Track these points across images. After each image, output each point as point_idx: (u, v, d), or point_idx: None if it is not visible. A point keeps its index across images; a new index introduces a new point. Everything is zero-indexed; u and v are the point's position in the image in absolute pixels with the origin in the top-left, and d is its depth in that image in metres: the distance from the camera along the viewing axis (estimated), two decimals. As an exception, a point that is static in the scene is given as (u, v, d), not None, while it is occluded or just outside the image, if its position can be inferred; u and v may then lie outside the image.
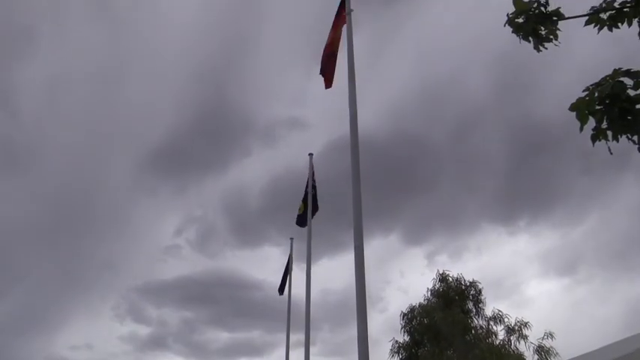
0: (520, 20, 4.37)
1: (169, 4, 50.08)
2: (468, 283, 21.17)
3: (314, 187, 15.51)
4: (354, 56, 9.39)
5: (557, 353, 18.84)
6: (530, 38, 4.39)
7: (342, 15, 10.18)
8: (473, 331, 19.96)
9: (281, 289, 20.16)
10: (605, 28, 4.21)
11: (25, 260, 47.08)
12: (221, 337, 48.55)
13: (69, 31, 48.04)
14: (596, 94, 3.79)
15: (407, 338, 20.78)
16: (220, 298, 46.85)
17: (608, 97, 3.75)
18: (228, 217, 49.66)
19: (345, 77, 9.25)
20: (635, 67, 3.76)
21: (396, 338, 21.01)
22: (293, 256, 19.82)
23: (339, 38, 10.15)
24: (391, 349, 20.84)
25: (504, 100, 45.61)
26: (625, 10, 4.12)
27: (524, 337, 19.72)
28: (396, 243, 46.32)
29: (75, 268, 49.84)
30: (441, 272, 21.61)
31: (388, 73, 47.75)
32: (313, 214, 15.21)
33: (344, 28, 9.95)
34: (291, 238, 19.83)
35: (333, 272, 43.40)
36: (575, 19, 4.28)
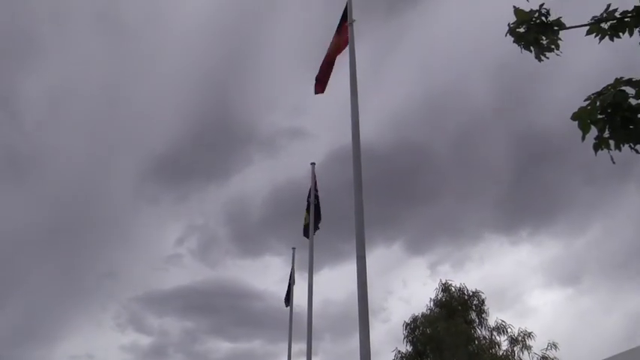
0: (521, 30, 4.39)
1: (173, 15, 50.42)
2: (471, 293, 21.10)
3: (316, 197, 15.50)
4: (357, 66, 9.43)
5: (561, 364, 18.75)
6: (532, 48, 4.41)
7: (344, 25, 10.22)
8: (476, 342, 19.85)
9: (287, 301, 20.00)
10: (607, 37, 4.22)
11: (25, 269, 47.09)
12: (222, 347, 48.32)
13: (73, 41, 48.37)
14: (598, 104, 3.79)
15: (410, 348, 20.69)
16: (221, 308, 46.75)
17: (610, 106, 3.75)
18: (229, 226, 49.68)
19: (347, 87, 9.27)
20: (636, 77, 3.76)
21: (398, 348, 20.94)
22: (295, 265, 19.79)
23: (341, 48, 10.19)
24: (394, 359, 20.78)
25: (506, 110, 45.74)
26: (626, 19, 4.13)
27: (528, 348, 19.64)
28: (398, 253, 46.23)
29: (76, 276, 49.83)
30: (443, 282, 21.57)
31: (390, 83, 47.91)
32: (317, 224, 15.17)
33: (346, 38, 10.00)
34: (293, 248, 19.79)
35: (335, 282, 43.30)
36: (576, 28, 4.30)
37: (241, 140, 51.86)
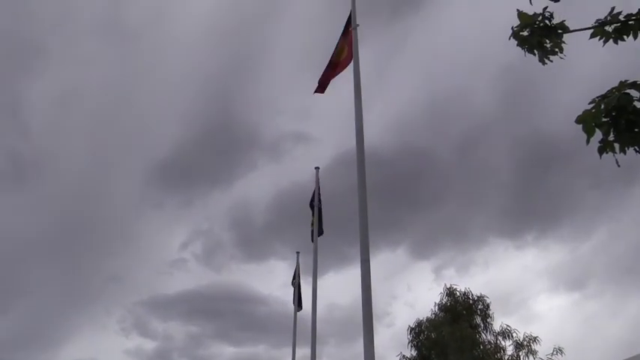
0: (525, 33, 4.38)
1: (176, 19, 50.64)
2: (476, 298, 21.01)
3: (319, 202, 15.51)
4: (360, 70, 9.45)
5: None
6: (535, 51, 4.40)
7: (348, 30, 10.25)
8: (481, 347, 19.76)
9: (299, 305, 19.86)
10: (611, 40, 4.21)
11: (30, 273, 47.20)
12: (226, 351, 48.34)
13: (77, 45, 48.64)
14: (603, 107, 3.78)
15: (414, 353, 20.61)
16: (226, 312, 46.65)
17: (614, 110, 3.74)
18: (234, 230, 49.65)
19: (351, 91, 9.29)
20: (641, 79, 3.75)
21: (403, 353, 20.86)
22: (300, 269, 19.74)
23: (345, 52, 10.21)
24: (399, 364, 20.69)
25: (511, 114, 45.65)
26: (630, 22, 4.12)
27: (534, 353, 19.54)
28: (403, 257, 46.04)
29: (81, 281, 49.91)
30: (448, 286, 21.47)
31: (394, 87, 47.92)
32: (319, 234, 15.20)
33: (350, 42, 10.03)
34: (298, 252, 19.80)
35: (339, 286, 43.22)
36: (580, 31, 4.29)
37: (245, 144, 51.99)
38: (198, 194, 53.26)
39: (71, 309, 49.93)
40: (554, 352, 19.19)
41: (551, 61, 4.41)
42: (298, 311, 19.17)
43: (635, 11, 4.07)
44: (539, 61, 4.40)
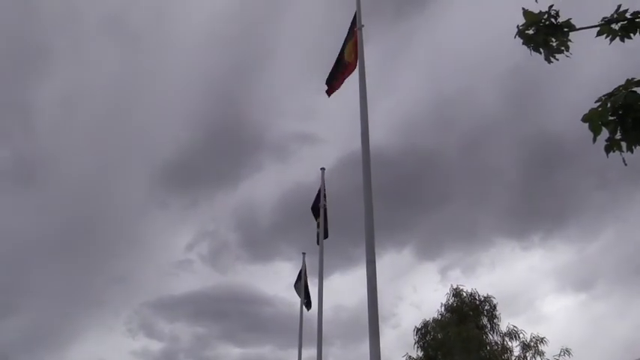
0: (530, 32, 4.36)
1: (182, 21, 50.80)
2: (483, 299, 20.90)
3: (325, 202, 15.51)
4: (365, 71, 9.43)
5: (574, 370, 18.53)
6: (541, 50, 4.38)
7: (354, 30, 10.24)
8: (488, 347, 19.66)
9: (308, 305, 19.84)
10: (617, 38, 4.18)
11: (37, 274, 47.41)
12: (232, 352, 48.29)
13: (83, 48, 48.87)
14: (609, 105, 3.75)
15: (420, 354, 20.52)
16: (232, 313, 46.73)
17: (621, 108, 3.72)
18: (239, 231, 49.74)
19: (357, 92, 9.28)
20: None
21: (409, 354, 20.78)
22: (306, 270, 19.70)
23: (352, 53, 10.20)
24: (405, 365, 20.63)
25: (517, 114, 45.50)
26: (637, 20, 4.09)
27: (541, 354, 19.41)
28: (408, 258, 46.02)
29: (87, 282, 50.08)
30: (454, 287, 21.36)
31: (400, 88, 47.87)
32: (325, 237, 15.20)
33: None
34: (303, 253, 19.76)
35: (345, 287, 43.16)
36: (586, 29, 4.26)
37: (251, 145, 52.12)
38: (203, 195, 53.45)
39: (78, 310, 50.16)
40: (562, 353, 19.07)
41: (557, 60, 4.39)
42: (307, 310, 19.16)
43: (641, 9, 4.05)
44: (545, 59, 4.38)
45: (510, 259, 42.61)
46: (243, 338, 47.97)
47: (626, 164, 3.76)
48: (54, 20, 46.84)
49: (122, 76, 49.94)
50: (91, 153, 52.01)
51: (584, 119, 3.85)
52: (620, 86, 3.76)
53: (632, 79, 3.75)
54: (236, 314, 46.18)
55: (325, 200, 15.58)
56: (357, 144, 8.74)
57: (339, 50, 10.65)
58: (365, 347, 6.99)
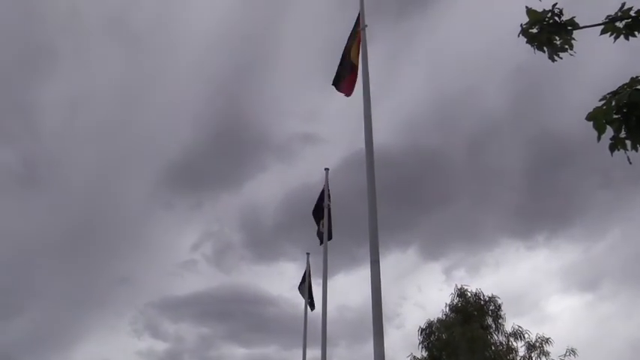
0: (534, 30, 4.34)
1: (186, 22, 50.89)
2: (487, 299, 20.86)
3: (329, 202, 15.51)
4: (369, 71, 9.42)
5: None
6: (545, 48, 4.36)
7: (357, 30, 10.23)
8: (492, 347, 19.62)
9: (311, 305, 19.82)
10: (622, 36, 4.16)
11: (41, 275, 47.57)
12: (237, 352, 48.30)
13: (88, 50, 48.99)
14: (614, 103, 3.73)
15: (425, 354, 20.49)
16: (236, 314, 46.74)
17: (625, 106, 3.70)
18: (244, 232, 49.76)
19: (360, 92, 9.27)
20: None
21: (414, 354, 20.75)
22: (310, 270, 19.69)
23: (357, 52, 10.18)
24: (409, 365, 20.60)
25: (520, 113, 45.38)
26: (641, 18, 4.07)
27: (546, 354, 19.37)
28: (413, 258, 45.93)
29: (92, 282, 50.18)
30: (459, 287, 21.34)
31: (403, 87, 47.81)
32: (329, 239, 15.20)
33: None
34: (308, 253, 19.75)
35: (349, 287, 43.16)
36: (590, 28, 4.24)
37: (255, 146, 52.12)
38: (208, 196, 53.48)
39: (83, 310, 50.28)
40: (567, 354, 19.04)
41: (561, 58, 4.37)
42: (312, 311, 19.15)
43: (645, 7, 4.02)
44: (549, 58, 4.36)
45: (515, 259, 42.52)
46: (247, 338, 47.99)
47: (630, 163, 3.74)
48: (58, 22, 47.03)
49: (127, 77, 50.08)
50: (96, 154, 52.15)
51: (589, 118, 3.83)
52: (624, 84, 3.74)
53: (637, 77, 3.73)
54: (240, 314, 46.20)
55: (330, 200, 15.57)
56: (360, 144, 8.74)
57: (342, 51, 10.63)
58: (369, 347, 6.99)
